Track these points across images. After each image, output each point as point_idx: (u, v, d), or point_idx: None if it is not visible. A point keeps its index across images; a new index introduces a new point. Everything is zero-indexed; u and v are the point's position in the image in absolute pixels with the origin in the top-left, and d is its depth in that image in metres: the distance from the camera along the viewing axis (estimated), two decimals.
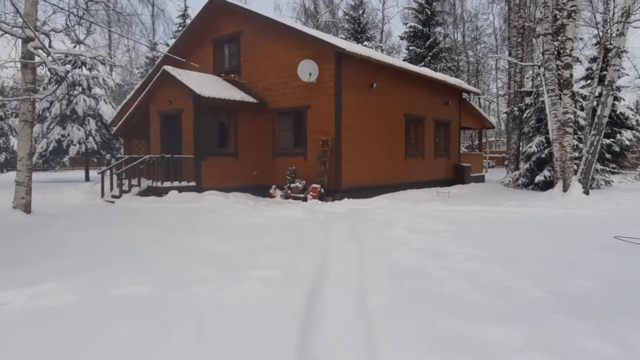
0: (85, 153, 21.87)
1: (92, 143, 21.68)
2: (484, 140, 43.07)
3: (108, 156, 22.74)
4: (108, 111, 22.30)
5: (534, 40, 16.31)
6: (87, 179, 21.69)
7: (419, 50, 28.19)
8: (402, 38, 30.14)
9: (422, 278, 4.35)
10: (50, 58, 8.27)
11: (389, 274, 4.48)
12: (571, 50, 12.14)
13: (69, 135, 21.31)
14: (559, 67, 13.44)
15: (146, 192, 12.29)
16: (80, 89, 22.40)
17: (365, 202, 11.22)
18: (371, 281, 4.19)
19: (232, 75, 14.46)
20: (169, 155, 12.26)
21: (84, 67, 23.02)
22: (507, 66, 36.25)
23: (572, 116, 12.25)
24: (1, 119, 33.66)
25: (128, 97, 17.66)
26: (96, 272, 4.69)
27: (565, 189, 12.21)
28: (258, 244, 5.95)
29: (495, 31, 40.62)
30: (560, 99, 12.65)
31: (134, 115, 15.15)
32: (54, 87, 8.98)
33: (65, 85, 21.06)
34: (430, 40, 28.34)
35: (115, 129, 15.93)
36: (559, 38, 13.81)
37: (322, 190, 12.00)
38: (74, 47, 23.10)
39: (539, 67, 16.15)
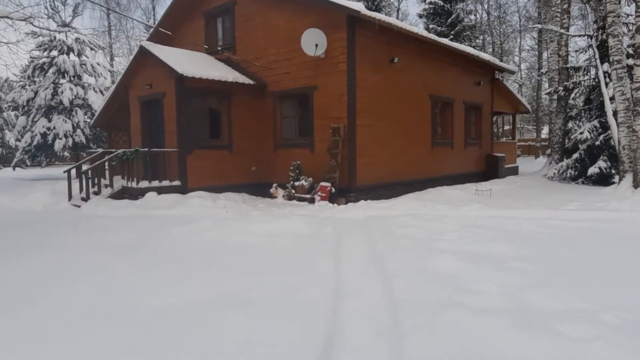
0: (74, 147, 19.88)
1: (81, 136, 19.67)
2: (508, 127, 40.25)
3: (100, 150, 20.74)
4: (98, 101, 20.23)
5: (585, 6, 13.66)
6: (78, 175, 19.76)
7: (439, 28, 25.56)
8: (420, 16, 27.50)
9: None
10: None
11: None
12: None
13: (54, 128, 19.33)
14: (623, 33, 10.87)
15: (120, 194, 10.18)
16: (68, 77, 20.39)
17: (387, 205, 8.93)
18: None
19: (220, 49, 12.21)
20: (146, 149, 10.09)
21: (71, 53, 21.00)
22: (536, 45, 33.31)
23: None
24: None
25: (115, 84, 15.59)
26: None
27: (637, 184, 9.74)
28: (223, 293, 3.72)
29: (519, 10, 37.57)
30: (630, 72, 10.12)
31: (113, 103, 13.06)
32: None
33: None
34: (452, 18, 25.71)
35: (93, 119, 13.87)
36: None
37: (333, 190, 9.73)
38: (60, 31, 21.14)
39: (590, 37, 13.55)
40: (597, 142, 12.99)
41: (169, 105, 10.56)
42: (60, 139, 19.19)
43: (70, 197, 10.50)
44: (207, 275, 4.15)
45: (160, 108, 10.88)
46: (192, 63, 10.93)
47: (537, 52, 33.38)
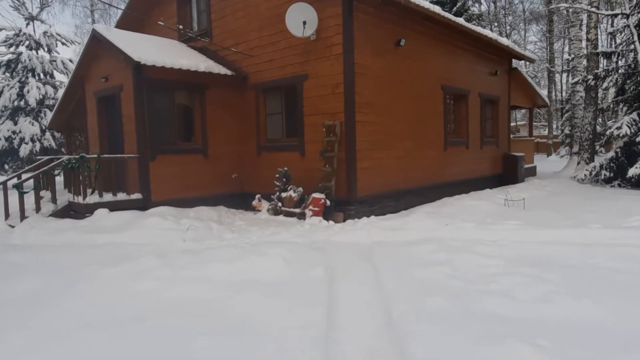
0: (43, 152, 17.87)
1: (50, 140, 17.69)
2: (514, 124, 38.27)
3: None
4: None
5: None
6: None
7: None
8: None
9: None
10: None
11: None
12: None
13: (20, 131, 17.34)
14: None
15: (66, 212, 8.25)
16: (36, 76, 18.40)
17: (398, 224, 7.01)
18: None
19: (193, 34, 10.29)
20: (94, 156, 8.16)
21: (41, 49, 19.03)
22: (544, 37, 31.42)
23: None
24: None
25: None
26: None
27: None
28: None
29: (523, 2, 35.66)
30: None
31: (70, 100, 11.14)
32: None
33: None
34: (457, 6, 23.81)
35: (49, 120, 11.95)
36: None
37: (328, 203, 7.82)
38: (27, 24, 19.19)
39: (627, 17, 11.65)
40: (638, 139, 11.10)
41: (127, 101, 8.64)
42: (27, 143, 17.18)
43: (7, 215, 8.56)
44: None
45: (118, 104, 8.97)
46: (156, 50, 9.02)
47: (545, 44, 31.53)
